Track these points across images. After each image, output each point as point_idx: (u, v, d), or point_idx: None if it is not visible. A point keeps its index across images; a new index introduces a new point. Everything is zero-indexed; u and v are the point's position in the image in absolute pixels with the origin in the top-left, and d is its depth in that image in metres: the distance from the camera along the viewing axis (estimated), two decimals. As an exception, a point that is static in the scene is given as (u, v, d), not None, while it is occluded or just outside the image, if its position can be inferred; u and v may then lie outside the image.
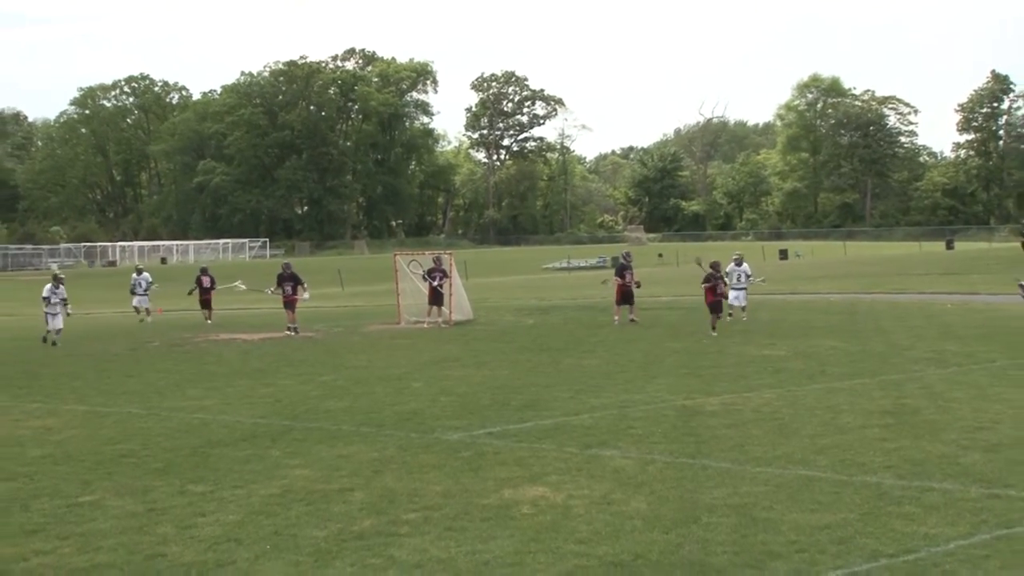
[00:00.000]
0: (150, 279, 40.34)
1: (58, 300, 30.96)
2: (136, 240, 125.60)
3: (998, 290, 39.59)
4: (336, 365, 24.35)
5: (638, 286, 32.53)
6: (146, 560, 9.97)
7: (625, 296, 32.07)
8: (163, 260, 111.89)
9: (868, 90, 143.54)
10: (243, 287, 37.53)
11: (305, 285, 32.94)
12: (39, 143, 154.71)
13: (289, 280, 32.27)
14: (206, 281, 37.95)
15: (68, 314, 31.54)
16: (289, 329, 31.42)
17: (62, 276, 32.57)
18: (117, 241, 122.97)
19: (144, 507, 11.88)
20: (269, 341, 30.20)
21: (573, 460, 13.49)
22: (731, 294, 31.49)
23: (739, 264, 32.53)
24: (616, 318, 31.88)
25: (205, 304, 37.70)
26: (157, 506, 11.91)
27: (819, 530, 10.15)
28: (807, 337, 26.42)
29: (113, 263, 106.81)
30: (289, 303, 32.03)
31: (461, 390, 19.64)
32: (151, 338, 32.09)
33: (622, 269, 32.45)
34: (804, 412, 16.32)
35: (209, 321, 36.59)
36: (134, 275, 40.86)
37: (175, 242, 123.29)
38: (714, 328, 27.74)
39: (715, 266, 28.87)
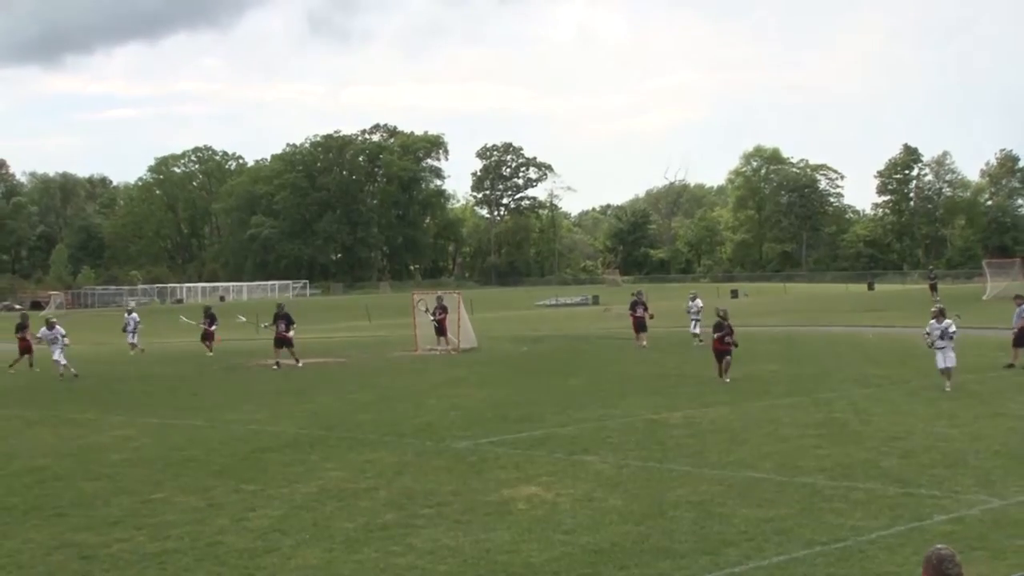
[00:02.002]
0: (138, 319, 38.03)
1: (53, 337, 28.87)
2: (199, 282, 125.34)
3: (911, 323, 39.56)
4: (364, 385, 24.29)
5: (651, 317, 32.57)
6: (207, 547, 9.93)
7: (639, 326, 32.22)
8: (221, 298, 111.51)
9: (803, 159, 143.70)
10: (243, 319, 36.25)
11: (294, 325, 30.38)
12: (121, 202, 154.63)
13: (283, 319, 29.89)
14: (207, 321, 36.08)
15: (66, 344, 29.00)
16: (277, 364, 29.13)
17: (54, 320, 30.64)
18: (184, 283, 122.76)
19: (205, 503, 11.84)
20: (309, 365, 30.08)
21: (560, 464, 13.45)
22: (692, 325, 32.58)
23: (693, 300, 33.15)
24: (635, 342, 32.02)
25: (208, 336, 35.74)
26: (216, 502, 11.86)
27: (764, 522, 10.12)
28: (754, 362, 26.36)
29: (180, 301, 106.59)
30: (281, 339, 29.79)
31: (467, 406, 19.59)
32: (211, 363, 31.99)
33: (634, 305, 32.68)
34: (751, 424, 16.29)
35: (210, 353, 34.47)
36: (126, 315, 38.70)
37: (232, 283, 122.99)
38: (723, 374, 22.12)
39: (723, 314, 22.65)
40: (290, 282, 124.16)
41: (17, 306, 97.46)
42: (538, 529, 10.15)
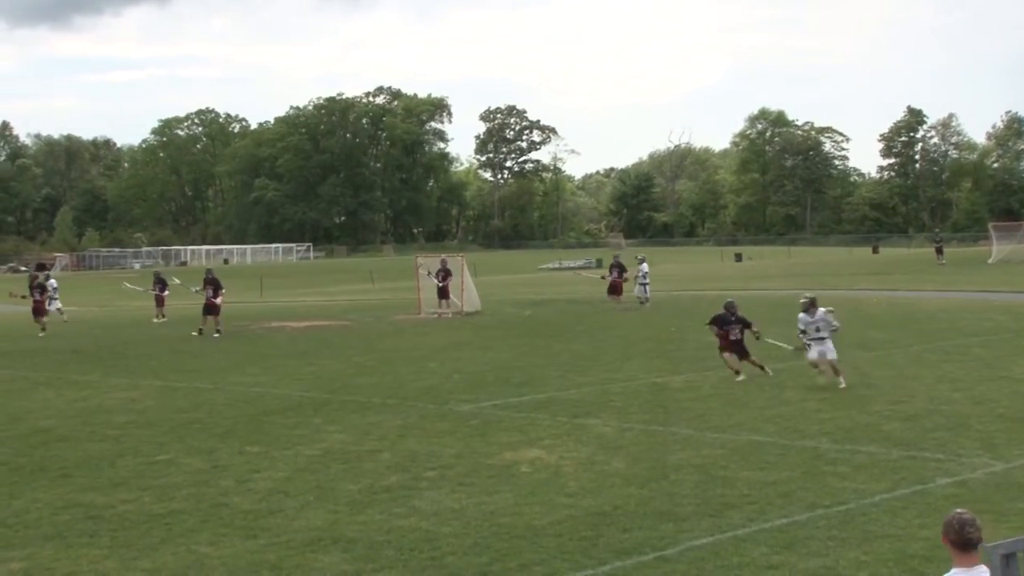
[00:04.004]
0: (55, 284, 35.27)
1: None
2: (203, 244, 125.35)
3: (916, 287, 39.53)
4: (367, 348, 24.31)
5: (625, 280, 33.22)
6: (211, 508, 9.97)
7: (612, 288, 33.02)
8: (225, 261, 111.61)
9: (808, 121, 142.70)
10: (177, 280, 35.48)
11: (223, 291, 29.26)
12: (126, 165, 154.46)
13: (211, 284, 28.74)
14: (159, 287, 34.84)
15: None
16: (200, 331, 28.18)
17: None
18: (188, 245, 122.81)
19: (209, 465, 11.89)
20: (312, 329, 30.13)
21: (563, 428, 13.48)
22: (636, 288, 33.36)
23: (641, 263, 34.09)
24: (614, 303, 32.65)
25: (159, 302, 34.59)
26: (220, 464, 11.91)
27: (767, 485, 10.14)
28: (757, 326, 26.28)
29: (184, 263, 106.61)
30: (209, 306, 28.63)
31: (470, 369, 19.62)
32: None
33: (611, 267, 33.61)
34: (754, 388, 16.30)
35: (163, 319, 33.76)
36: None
37: (236, 246, 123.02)
38: (751, 366, 17.62)
39: (730, 307, 18.03)
40: (294, 245, 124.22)
41: (23, 268, 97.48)
42: (541, 492, 10.18)
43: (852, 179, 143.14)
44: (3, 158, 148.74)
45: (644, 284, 33.37)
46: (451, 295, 32.84)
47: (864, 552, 8.09)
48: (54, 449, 13.09)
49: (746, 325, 17.65)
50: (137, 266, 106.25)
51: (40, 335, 29.67)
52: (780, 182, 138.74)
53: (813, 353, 16.29)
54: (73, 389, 18.50)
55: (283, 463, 11.83)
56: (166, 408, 16.06)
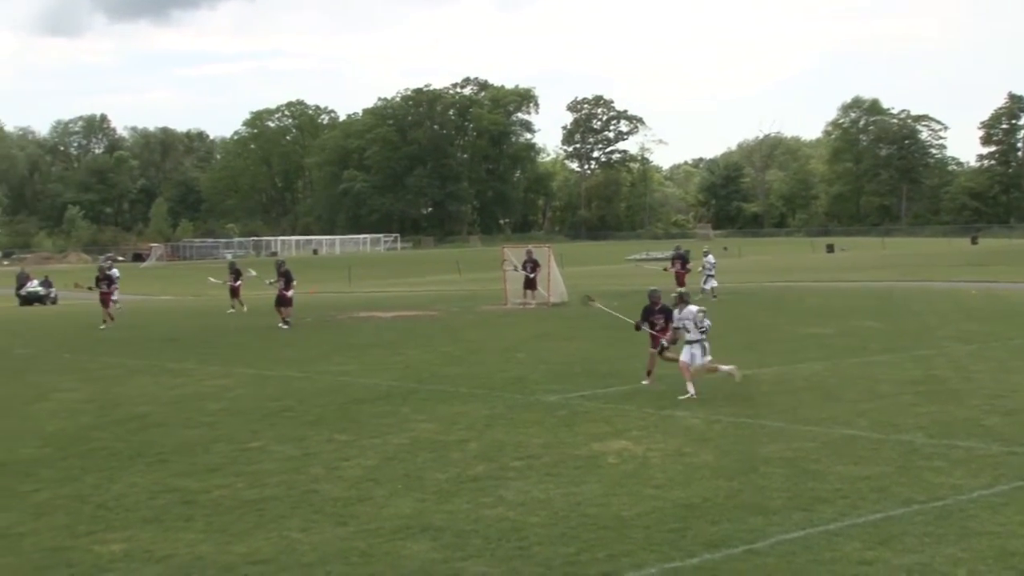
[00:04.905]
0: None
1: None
2: (293, 235, 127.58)
3: (1017, 279, 38.29)
4: (454, 338, 24.45)
5: (688, 272, 33.31)
6: (302, 495, 10.16)
7: (676, 280, 32.84)
8: (315, 251, 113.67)
9: (904, 110, 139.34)
10: (253, 273, 35.41)
11: (294, 283, 28.91)
12: (218, 157, 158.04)
13: (283, 276, 28.31)
14: (232, 277, 34.60)
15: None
16: (284, 323, 27.80)
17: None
18: (278, 236, 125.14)
19: (300, 452, 12.10)
20: (400, 319, 30.42)
21: (651, 419, 13.41)
22: (709, 281, 33.32)
23: (706, 255, 34.14)
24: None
25: (234, 293, 34.45)
26: (310, 451, 12.12)
27: (860, 480, 9.96)
28: (850, 318, 25.85)
29: (275, 253, 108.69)
30: (282, 299, 28.36)
31: (557, 360, 19.60)
32: (305, 315, 32.50)
33: (672, 260, 34.01)
34: (847, 381, 15.99)
35: (232, 310, 33.65)
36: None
37: (324, 237, 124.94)
38: (650, 374, 16.51)
39: (652, 295, 16.81)
40: (381, 236, 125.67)
41: (120, 258, 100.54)
42: (628, 483, 10.15)
43: (950, 168, 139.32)
44: (102, 150, 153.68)
45: (710, 275, 33.33)
46: (538, 286, 32.86)
47: (962, 549, 7.89)
48: (151, 434, 13.48)
49: (668, 316, 15.98)
50: (229, 256, 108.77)
51: (101, 327, 29.53)
52: (874, 171, 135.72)
53: (685, 356, 15.22)
54: (169, 376, 19.01)
55: (372, 451, 11.99)
56: (258, 396, 16.39)
